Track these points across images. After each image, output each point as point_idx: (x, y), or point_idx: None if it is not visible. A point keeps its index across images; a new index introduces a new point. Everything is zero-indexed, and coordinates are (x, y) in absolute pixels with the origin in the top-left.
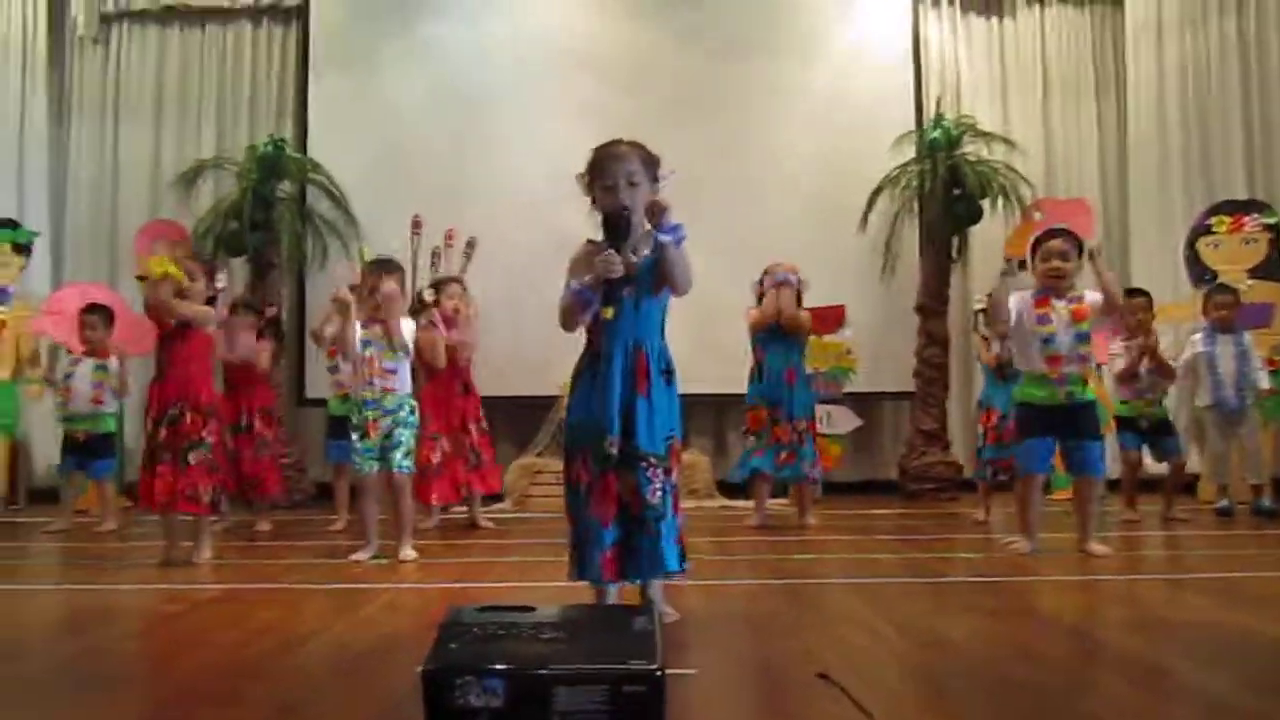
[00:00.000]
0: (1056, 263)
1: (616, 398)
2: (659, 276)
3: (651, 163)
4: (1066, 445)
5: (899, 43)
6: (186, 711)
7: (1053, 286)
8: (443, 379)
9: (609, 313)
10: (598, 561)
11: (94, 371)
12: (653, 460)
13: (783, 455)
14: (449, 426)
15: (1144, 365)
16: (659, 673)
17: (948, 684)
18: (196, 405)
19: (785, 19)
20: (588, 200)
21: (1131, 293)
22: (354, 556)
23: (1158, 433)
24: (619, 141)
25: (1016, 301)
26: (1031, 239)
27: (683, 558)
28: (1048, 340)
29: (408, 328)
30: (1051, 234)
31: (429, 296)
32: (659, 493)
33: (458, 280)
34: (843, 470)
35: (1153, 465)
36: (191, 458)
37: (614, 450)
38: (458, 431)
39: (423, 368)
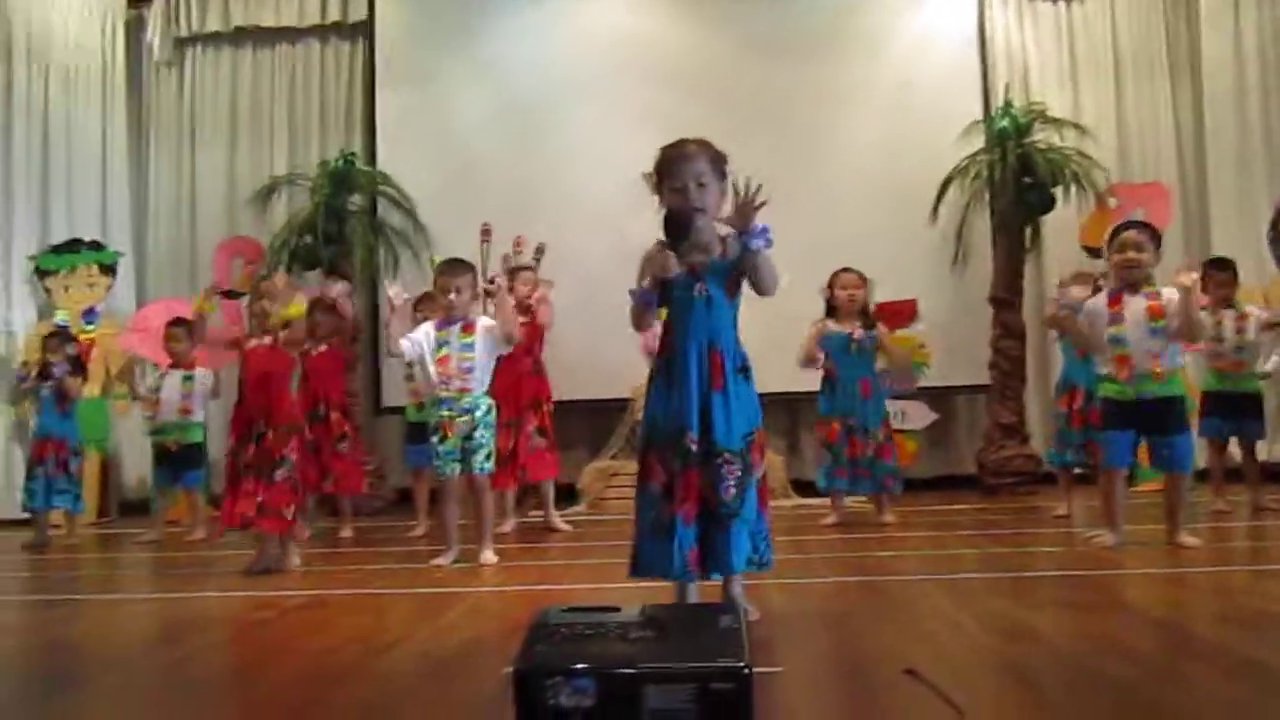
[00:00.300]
0: (1132, 254)
1: (694, 395)
2: (738, 277)
3: (719, 160)
4: (1151, 440)
5: (965, 31)
6: (283, 716)
7: (1128, 279)
8: (513, 360)
9: (663, 314)
10: (683, 559)
11: (181, 383)
12: (729, 457)
13: (861, 470)
14: (518, 409)
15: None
16: (747, 670)
17: (1036, 678)
18: (279, 423)
19: (848, 14)
20: (655, 201)
21: (1217, 264)
22: (435, 561)
23: (1244, 412)
24: (686, 141)
25: (1089, 310)
26: (1109, 230)
27: (758, 559)
28: (1118, 340)
29: (490, 323)
30: (1128, 224)
31: (503, 282)
32: (733, 490)
33: (530, 269)
34: (919, 466)
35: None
36: (276, 475)
37: (694, 447)
38: (525, 414)
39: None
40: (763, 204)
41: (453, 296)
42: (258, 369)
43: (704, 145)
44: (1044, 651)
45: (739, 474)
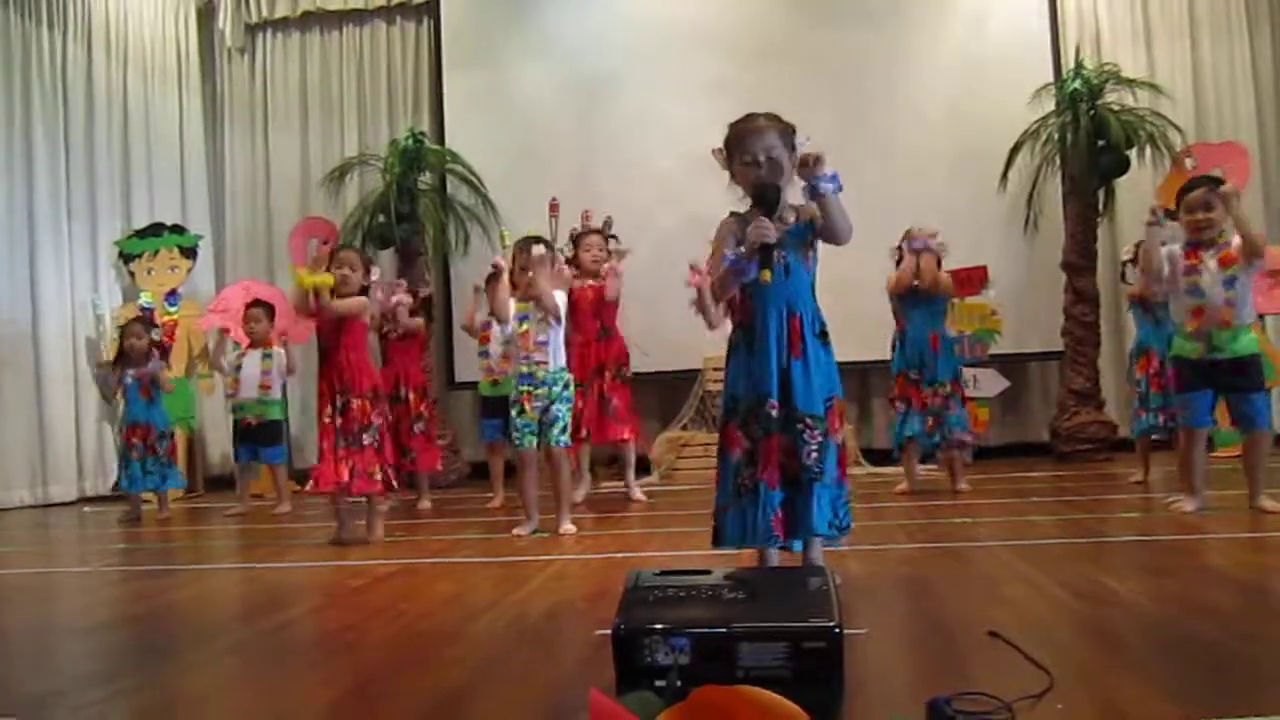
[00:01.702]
0: (1200, 214)
1: (774, 362)
2: (813, 240)
3: (789, 132)
4: (1230, 399)
5: None
6: (391, 675)
7: (1200, 239)
8: (580, 326)
9: (767, 275)
10: (767, 523)
11: (260, 360)
12: (809, 421)
13: (930, 421)
14: (585, 375)
15: None
16: (838, 629)
17: (1121, 640)
18: (360, 391)
19: None
20: (723, 175)
21: None
22: (516, 531)
23: None
24: (756, 116)
25: (1168, 254)
26: (1177, 190)
27: (839, 523)
28: (1193, 291)
29: (558, 298)
30: (1192, 183)
31: (568, 252)
32: (814, 453)
33: (598, 232)
34: (992, 434)
35: None
36: (365, 438)
37: (774, 413)
38: (593, 378)
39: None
40: (820, 156)
41: (532, 274)
42: (329, 337)
43: (773, 118)
44: (1127, 614)
45: (820, 438)
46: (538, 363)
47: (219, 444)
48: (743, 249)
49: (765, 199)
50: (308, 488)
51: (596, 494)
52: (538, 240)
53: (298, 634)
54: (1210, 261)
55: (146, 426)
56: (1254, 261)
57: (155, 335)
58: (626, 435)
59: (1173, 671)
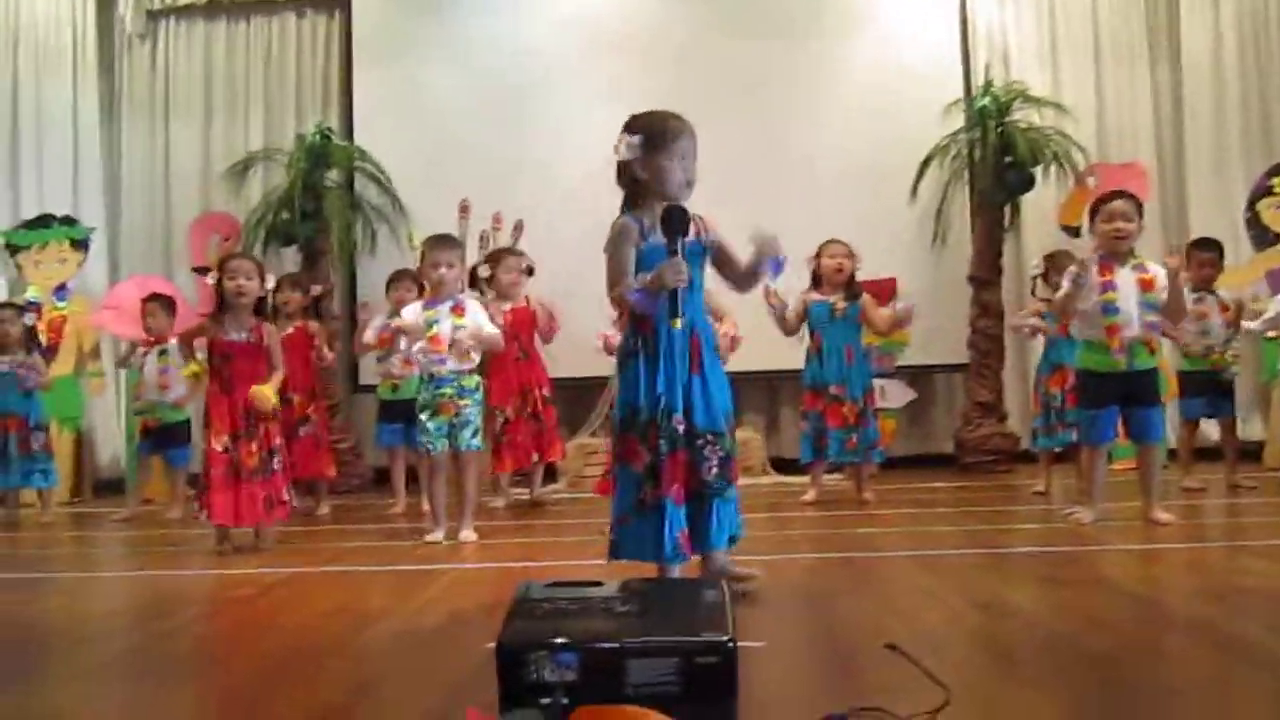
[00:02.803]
0: (1120, 223)
1: (679, 377)
2: (707, 257)
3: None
4: (1127, 412)
5: (946, 9)
6: (266, 691)
7: (1115, 250)
8: (508, 352)
9: (678, 323)
10: (674, 541)
11: (158, 357)
12: (711, 438)
13: (853, 440)
14: (514, 399)
15: (1217, 317)
16: (731, 644)
17: (1016, 653)
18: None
19: None
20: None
21: (1202, 244)
22: (427, 538)
23: (1219, 392)
24: (678, 115)
25: (1073, 276)
26: (1089, 202)
27: (732, 536)
28: (1108, 309)
29: (480, 311)
30: (1114, 194)
31: (484, 272)
32: (715, 469)
33: (514, 252)
34: (897, 444)
35: (1211, 433)
36: (275, 464)
37: (680, 428)
38: (517, 398)
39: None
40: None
41: (443, 271)
42: (244, 366)
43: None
44: (1023, 626)
45: (721, 454)
46: (453, 369)
47: (109, 446)
48: (647, 281)
49: (672, 222)
50: (198, 514)
51: (518, 493)
52: (447, 238)
53: (173, 646)
54: (1128, 278)
55: (20, 418)
56: (1168, 321)
57: (29, 321)
58: (561, 455)
59: (1066, 685)
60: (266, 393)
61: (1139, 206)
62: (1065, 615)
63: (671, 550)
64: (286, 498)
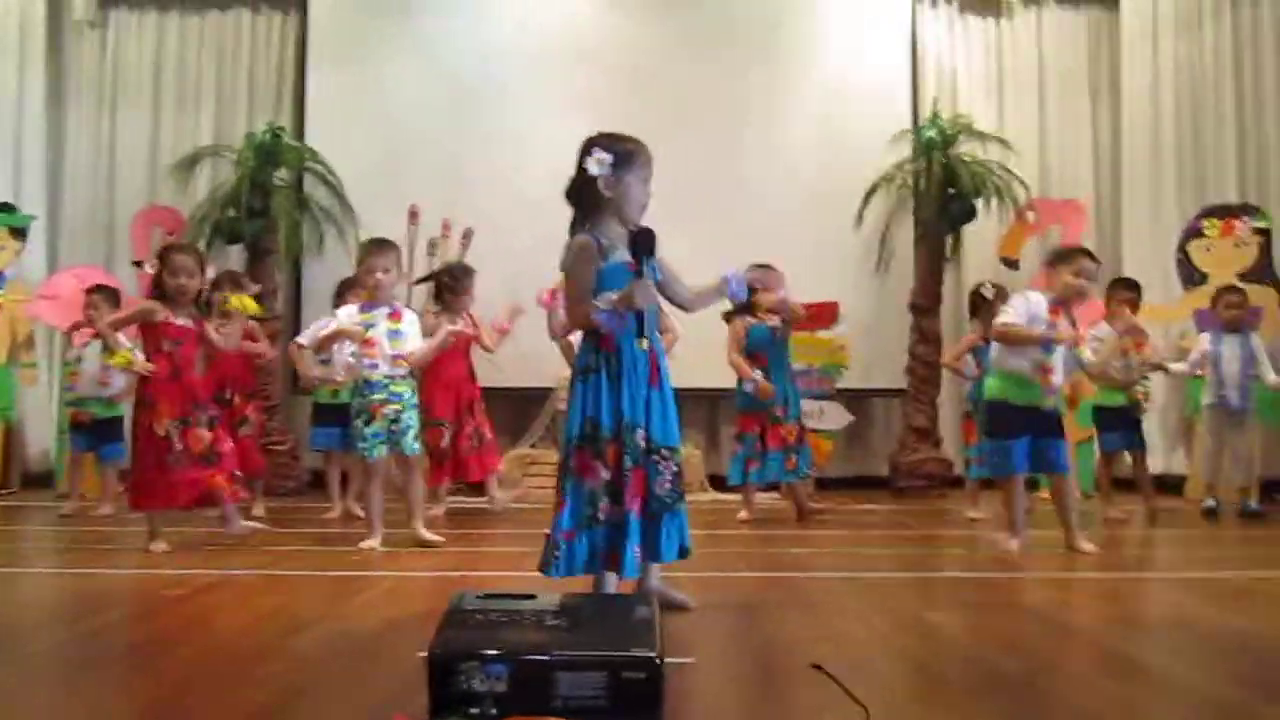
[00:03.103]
0: (1085, 282)
1: (641, 393)
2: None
3: None
4: (1038, 445)
5: (897, 42)
6: (195, 692)
7: (1070, 301)
8: (451, 367)
9: (645, 344)
10: (633, 554)
11: (100, 354)
12: (665, 453)
13: (793, 459)
14: (455, 413)
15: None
16: (658, 660)
17: (938, 675)
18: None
19: (785, 18)
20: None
21: (1120, 283)
22: (363, 545)
23: (1133, 425)
24: (640, 140)
25: (1024, 303)
26: (1064, 248)
27: (683, 549)
28: (1047, 350)
29: (415, 323)
30: (1086, 251)
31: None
32: (668, 484)
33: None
34: (834, 466)
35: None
36: (224, 448)
37: (643, 444)
38: (463, 416)
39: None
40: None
41: (380, 276)
42: (192, 350)
43: None
44: (946, 649)
45: (674, 469)
46: (388, 374)
47: (39, 440)
48: (614, 301)
49: (645, 244)
50: (127, 502)
51: (454, 503)
52: (384, 242)
53: (99, 646)
54: (1064, 330)
55: None
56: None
57: None
58: (501, 465)
59: (983, 705)
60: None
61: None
62: (984, 638)
63: (632, 564)
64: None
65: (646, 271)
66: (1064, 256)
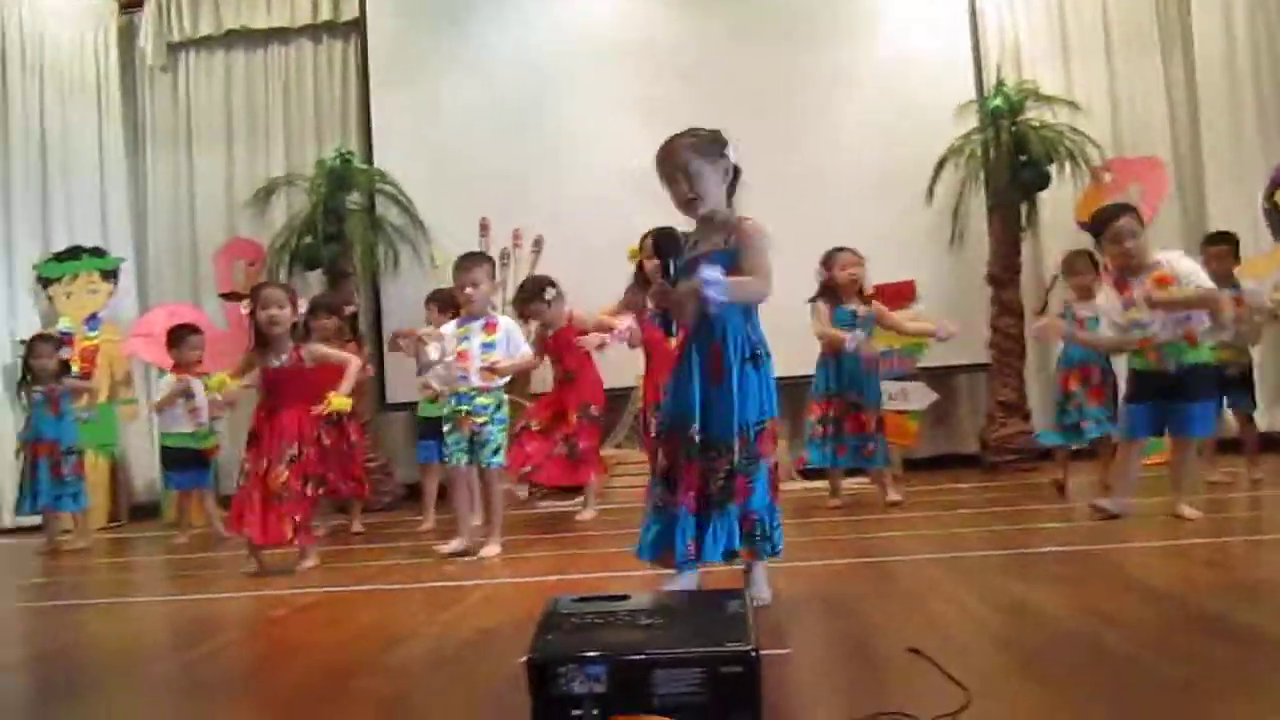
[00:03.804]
0: (1128, 244)
1: (696, 388)
2: (738, 267)
3: (707, 143)
4: (1170, 406)
5: (956, 11)
6: (301, 711)
7: (1128, 267)
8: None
9: (672, 341)
10: (684, 546)
11: (206, 390)
12: (721, 450)
13: (869, 447)
14: (539, 414)
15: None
16: (754, 653)
17: (1039, 654)
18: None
19: None
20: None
21: (1215, 238)
22: (440, 548)
23: (1236, 385)
24: (672, 136)
25: (1102, 304)
26: (1095, 216)
27: (729, 551)
28: (1139, 324)
29: (515, 329)
30: (1113, 213)
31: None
32: (721, 482)
33: (549, 283)
34: (921, 445)
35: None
36: (309, 489)
37: (697, 438)
38: (549, 417)
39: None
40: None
41: (469, 291)
42: (291, 389)
43: (685, 134)
44: (1046, 627)
45: (728, 467)
46: (477, 387)
47: (143, 472)
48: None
49: (662, 250)
50: (227, 530)
51: (536, 513)
52: (472, 258)
53: (207, 670)
54: (1147, 288)
55: (52, 443)
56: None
57: (64, 354)
58: (589, 479)
59: (1088, 686)
60: (338, 402)
61: (1138, 217)
62: (1086, 614)
63: (682, 556)
64: (311, 525)
65: (683, 269)
66: (1100, 229)
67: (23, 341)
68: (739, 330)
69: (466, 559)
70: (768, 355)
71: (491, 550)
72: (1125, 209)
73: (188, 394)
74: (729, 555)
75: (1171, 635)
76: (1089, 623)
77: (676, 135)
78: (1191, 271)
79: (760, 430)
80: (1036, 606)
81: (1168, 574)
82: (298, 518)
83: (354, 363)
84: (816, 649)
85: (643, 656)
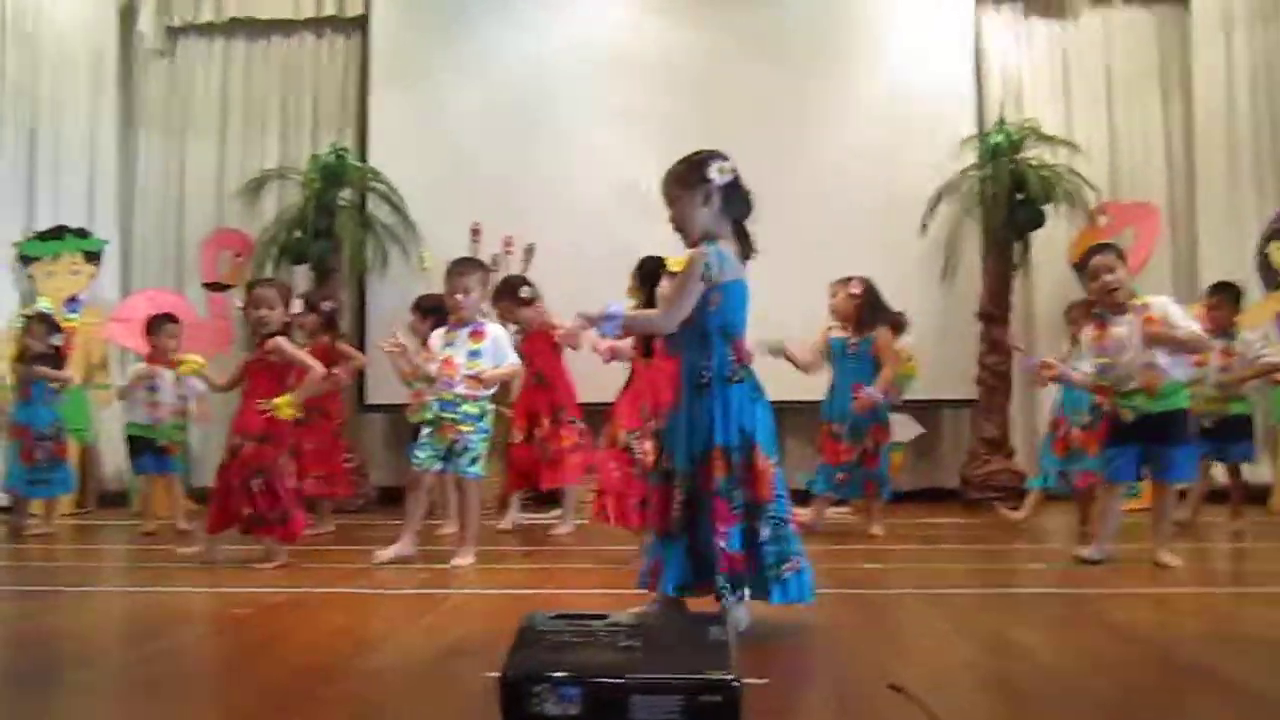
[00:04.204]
0: (1106, 277)
1: (676, 414)
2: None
3: (685, 171)
4: (1150, 451)
5: (961, 46)
6: (267, 715)
7: (1111, 303)
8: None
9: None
10: (645, 570)
11: (175, 383)
12: (679, 477)
13: (839, 476)
14: (516, 421)
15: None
16: (735, 683)
17: (1023, 695)
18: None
19: (846, 23)
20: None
21: (1217, 288)
22: (377, 554)
23: (1228, 434)
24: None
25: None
26: (1080, 256)
27: (681, 586)
28: (1103, 371)
29: (503, 336)
30: (1091, 251)
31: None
32: (675, 511)
33: (523, 281)
34: (903, 478)
35: (1218, 475)
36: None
37: (665, 464)
38: (525, 423)
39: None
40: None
41: (460, 297)
42: (257, 383)
43: (675, 165)
44: (1030, 668)
45: (682, 497)
46: (461, 394)
47: (115, 460)
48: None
49: (642, 279)
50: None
51: (523, 519)
52: (463, 264)
53: (173, 665)
54: (1130, 327)
55: (23, 427)
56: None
57: (57, 341)
58: (569, 481)
59: None
60: (280, 404)
61: (1119, 253)
62: (1069, 656)
63: (640, 580)
64: (288, 520)
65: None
66: (1081, 266)
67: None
68: (697, 355)
69: (400, 565)
70: (724, 380)
71: (464, 560)
72: (1105, 246)
73: (151, 386)
74: (681, 591)
75: (1159, 683)
76: (1073, 665)
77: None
78: (1179, 316)
79: (709, 454)
80: (1021, 647)
81: (1151, 621)
82: (247, 511)
83: (315, 371)
84: (796, 680)
85: (621, 680)
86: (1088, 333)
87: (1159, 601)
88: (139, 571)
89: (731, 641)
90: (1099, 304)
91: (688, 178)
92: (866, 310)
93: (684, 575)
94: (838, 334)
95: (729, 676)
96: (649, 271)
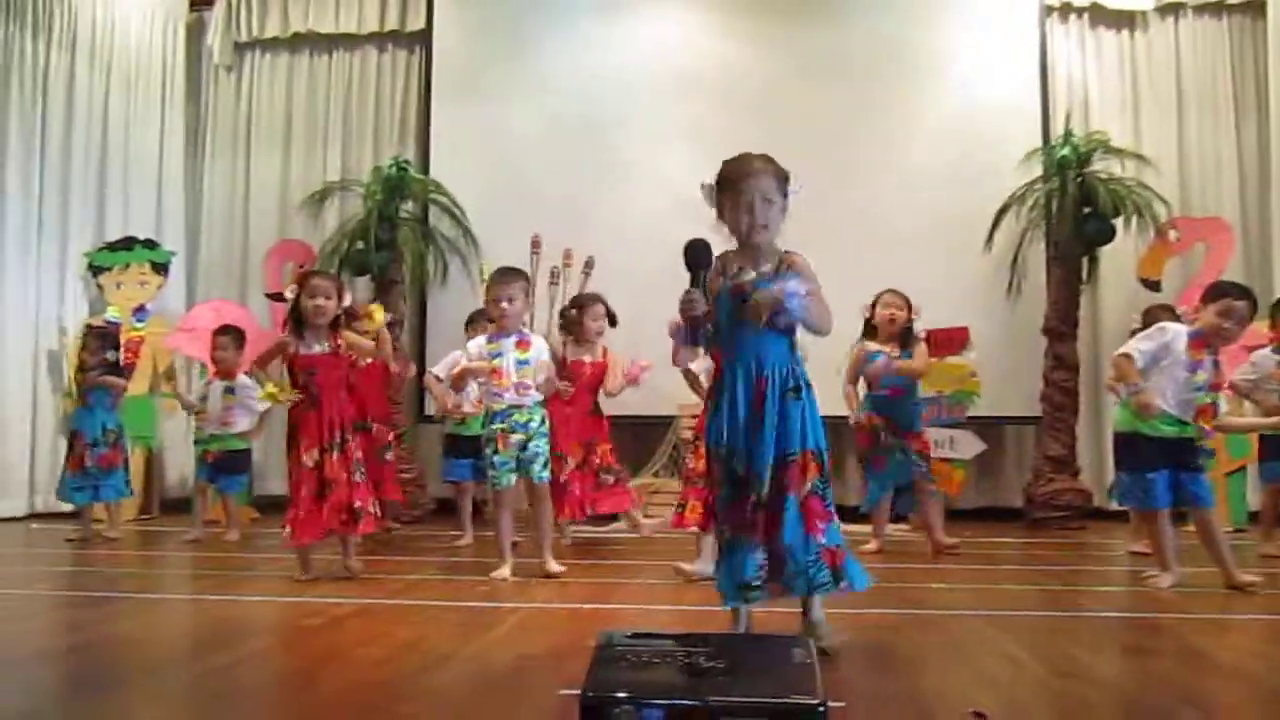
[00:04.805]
0: (1233, 326)
1: (741, 418)
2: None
3: (783, 178)
4: (1180, 478)
5: (1027, 59)
6: None
7: (1212, 342)
8: (574, 399)
9: (698, 351)
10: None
11: (224, 394)
12: (754, 481)
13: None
14: (569, 445)
15: None
16: (822, 708)
17: None
18: (350, 428)
19: (909, 37)
20: (709, 215)
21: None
22: (493, 575)
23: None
24: (751, 156)
25: (1159, 335)
26: (1212, 289)
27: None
28: (1199, 388)
29: (545, 350)
30: (1241, 294)
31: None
32: (752, 509)
33: (602, 301)
34: (965, 496)
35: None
36: (358, 475)
37: (740, 470)
38: (581, 450)
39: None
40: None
41: (505, 305)
42: (329, 377)
43: (768, 161)
44: (1110, 694)
45: (753, 501)
46: (514, 404)
47: (178, 465)
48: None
49: (696, 260)
50: (285, 537)
51: (578, 534)
52: (512, 270)
53: (244, 676)
54: (1210, 368)
55: (78, 433)
56: None
57: (112, 356)
58: (628, 505)
59: None
60: (268, 391)
61: (1254, 307)
62: (1154, 686)
63: (720, 585)
64: (373, 509)
65: (702, 283)
66: (1212, 293)
67: (88, 327)
68: (779, 361)
69: (508, 580)
70: (808, 385)
71: (554, 567)
72: (1249, 295)
73: (228, 394)
74: (730, 594)
75: (1245, 714)
76: (1157, 693)
77: (755, 157)
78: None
79: (793, 460)
80: (1100, 674)
81: (1234, 647)
82: (356, 504)
83: (383, 335)
84: (873, 704)
85: (703, 703)
86: (1180, 341)
87: (1238, 628)
88: (207, 579)
89: (817, 664)
90: (1206, 332)
91: (783, 187)
92: (908, 327)
93: (756, 574)
94: (876, 348)
95: (815, 700)
96: (705, 251)
